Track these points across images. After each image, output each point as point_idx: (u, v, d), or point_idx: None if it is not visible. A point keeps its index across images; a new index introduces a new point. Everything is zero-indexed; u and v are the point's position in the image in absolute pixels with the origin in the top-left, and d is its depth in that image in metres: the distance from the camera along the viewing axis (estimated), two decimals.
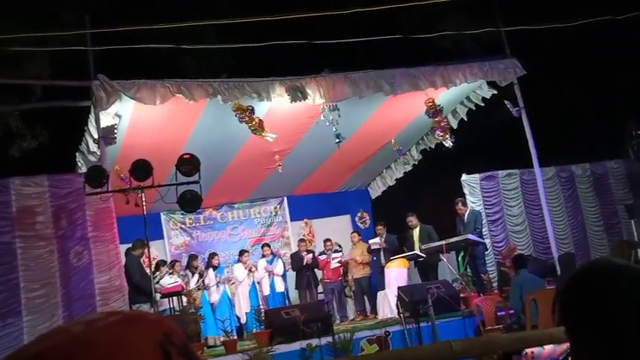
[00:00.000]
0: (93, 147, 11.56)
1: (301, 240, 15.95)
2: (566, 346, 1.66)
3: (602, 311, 1.64)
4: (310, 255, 14.93)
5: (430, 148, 15.77)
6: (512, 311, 10.73)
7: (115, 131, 11.41)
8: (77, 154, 12.76)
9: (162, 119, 12.00)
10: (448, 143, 13.65)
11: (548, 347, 3.35)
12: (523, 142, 13.84)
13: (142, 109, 11.36)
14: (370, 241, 14.78)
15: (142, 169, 10.22)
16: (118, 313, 0.84)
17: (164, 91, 11.09)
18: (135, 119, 11.83)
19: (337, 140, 12.90)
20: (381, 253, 14.45)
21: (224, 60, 15.39)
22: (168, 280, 13.23)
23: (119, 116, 11.48)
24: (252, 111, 11.85)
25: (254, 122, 11.86)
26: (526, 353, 2.96)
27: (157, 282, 12.85)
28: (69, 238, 10.76)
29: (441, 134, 13.67)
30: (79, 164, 12.75)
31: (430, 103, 13.26)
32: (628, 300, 1.63)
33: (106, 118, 11.29)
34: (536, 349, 3.20)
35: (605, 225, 15.82)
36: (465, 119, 14.48)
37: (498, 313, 11.16)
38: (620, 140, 14.85)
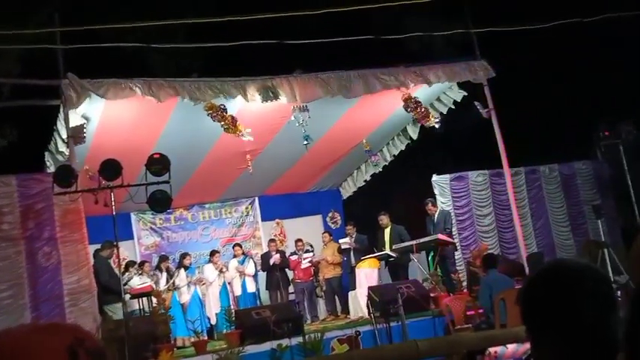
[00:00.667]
0: (62, 146, 11.45)
1: (271, 240, 15.92)
2: (529, 345, 1.68)
3: (567, 310, 1.65)
4: (278, 255, 14.91)
5: (402, 147, 15.83)
6: (481, 311, 10.81)
7: (85, 131, 11.28)
8: (46, 153, 12.62)
9: (132, 119, 11.93)
10: (437, 124, 13.66)
11: (511, 347, 3.38)
12: (493, 143, 13.94)
13: (111, 109, 11.28)
14: (340, 241, 14.82)
15: (111, 168, 10.13)
16: (33, 324, 0.86)
17: (133, 91, 11.01)
18: (104, 119, 11.74)
19: (305, 142, 12.89)
20: (352, 253, 14.48)
21: (194, 59, 15.32)
22: (138, 281, 13.16)
23: (87, 118, 11.37)
24: (225, 110, 11.81)
25: (226, 120, 11.82)
26: (489, 353, 2.98)
27: (126, 283, 12.77)
28: (37, 239, 10.64)
29: (426, 121, 13.69)
30: (48, 164, 12.60)
31: (407, 98, 13.28)
32: (593, 300, 1.66)
33: (76, 118, 11.19)
34: (499, 349, 3.23)
35: (571, 225, 16.00)
36: (437, 120, 14.53)
37: (468, 313, 11.24)
38: (588, 141, 15.04)
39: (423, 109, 13.58)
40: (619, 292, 10.77)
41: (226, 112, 11.81)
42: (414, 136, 15.13)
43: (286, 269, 15.11)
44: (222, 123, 11.83)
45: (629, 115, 14.26)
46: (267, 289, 15.07)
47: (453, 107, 14.38)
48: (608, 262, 11.09)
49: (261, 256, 15.56)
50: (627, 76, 15.72)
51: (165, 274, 13.93)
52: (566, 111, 17.13)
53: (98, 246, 12.54)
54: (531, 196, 15.69)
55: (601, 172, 16.16)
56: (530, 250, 14.66)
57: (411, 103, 13.37)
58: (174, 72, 12.50)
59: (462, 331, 10.31)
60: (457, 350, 3.62)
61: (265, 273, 15.11)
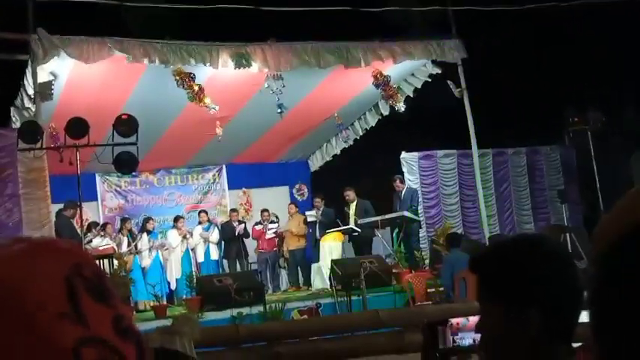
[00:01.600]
0: (28, 103, 11.26)
1: (233, 210, 15.87)
2: None
3: (522, 278, 1.65)
4: (242, 225, 14.87)
5: (373, 124, 15.83)
6: (442, 288, 10.90)
7: (52, 87, 11.11)
8: (12, 108, 12.41)
9: (102, 78, 11.76)
10: (401, 108, 13.65)
11: (472, 318, 3.40)
12: (462, 123, 13.98)
13: (81, 67, 11.09)
14: (307, 213, 14.82)
15: (77, 126, 10.01)
16: (24, 239, 0.80)
17: (104, 49, 10.85)
18: (73, 76, 11.55)
19: (279, 110, 12.83)
20: (317, 226, 14.50)
21: (168, 22, 15.10)
22: (99, 242, 13.06)
23: (55, 75, 11.18)
24: (193, 78, 11.67)
25: (193, 89, 11.68)
26: (451, 324, 3.00)
27: (87, 243, 12.67)
28: None
29: (392, 100, 13.68)
30: (14, 119, 12.40)
31: (378, 74, 13.26)
32: (549, 265, 1.65)
33: (44, 74, 11.00)
34: (461, 320, 3.25)
35: (534, 209, 16.17)
36: (412, 96, 14.54)
37: (429, 290, 11.33)
38: (557, 127, 15.16)
39: (391, 88, 13.57)
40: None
41: (194, 80, 11.66)
42: (385, 113, 15.11)
43: (245, 239, 15.08)
44: (189, 91, 11.69)
45: (598, 102, 14.39)
46: (224, 257, 15.03)
47: (420, 88, 14.39)
48: (569, 247, 11.23)
49: (222, 225, 15.47)
50: (599, 63, 15.84)
51: (127, 237, 13.83)
52: (537, 95, 17.22)
53: (61, 205, 12.39)
54: (497, 179, 15.82)
55: (567, 158, 16.33)
56: (494, 231, 14.79)
57: (380, 80, 13.35)
58: (146, 34, 12.31)
59: (422, 307, 10.41)
60: (417, 321, 3.64)
61: (224, 242, 15.05)
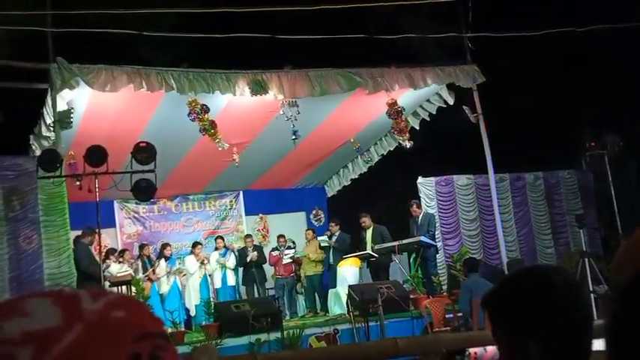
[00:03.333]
0: (46, 131, 11.40)
1: (247, 235, 15.81)
2: None
3: (534, 312, 1.66)
4: (255, 253, 14.83)
5: (389, 150, 15.84)
6: (460, 314, 10.84)
7: (71, 116, 11.24)
8: (31, 136, 12.55)
9: (120, 106, 11.88)
10: (406, 144, 13.69)
11: (490, 349, 3.40)
12: (479, 148, 13.99)
13: (100, 95, 11.22)
14: (319, 239, 14.79)
15: (96, 154, 10.10)
16: (103, 295, 0.76)
17: (122, 78, 10.97)
18: (92, 104, 11.68)
19: (293, 137, 12.88)
20: (331, 251, 14.49)
21: (185, 50, 15.26)
22: (118, 269, 13.10)
23: (72, 106, 11.29)
24: (207, 110, 11.73)
25: (204, 122, 11.74)
26: (469, 353, 3.00)
27: (105, 269, 12.73)
28: (20, 221, 10.59)
29: (400, 136, 13.72)
30: (33, 147, 12.54)
31: (392, 103, 13.30)
32: (561, 301, 1.66)
33: (63, 102, 11.14)
34: (479, 350, 3.24)
35: (553, 234, 16.09)
36: (428, 119, 14.56)
37: (447, 316, 11.27)
38: (574, 151, 15.12)
39: (402, 121, 13.59)
40: (595, 301, 10.85)
41: (206, 113, 11.71)
42: (394, 142, 15.12)
43: (263, 265, 15.06)
44: (200, 123, 11.75)
45: (615, 126, 14.35)
46: (243, 284, 15.03)
47: (434, 113, 14.42)
48: (588, 272, 11.14)
49: (238, 251, 15.48)
50: (617, 87, 15.82)
51: (146, 263, 13.88)
52: (554, 120, 17.21)
53: (79, 232, 12.47)
54: (515, 203, 15.77)
55: (585, 182, 16.25)
56: (514, 256, 14.72)
57: (394, 110, 13.36)
58: (163, 62, 12.45)
59: (440, 333, 10.35)
60: (435, 349, 3.64)
61: (242, 268, 15.04)
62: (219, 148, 12.08)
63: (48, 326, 0.70)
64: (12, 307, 0.73)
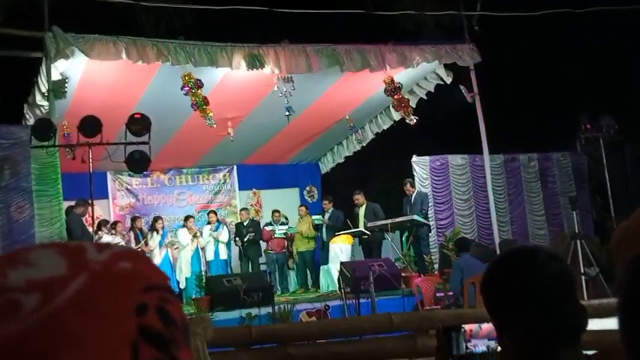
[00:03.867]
0: (41, 100, 11.32)
1: (243, 209, 15.84)
2: None
3: (524, 292, 1.68)
4: (253, 234, 14.81)
5: (385, 127, 15.81)
6: (451, 293, 10.88)
7: (66, 85, 11.16)
8: (25, 105, 12.47)
9: (115, 77, 11.80)
10: (412, 120, 13.64)
11: (485, 326, 3.41)
12: (475, 128, 13.97)
13: (95, 64, 11.14)
14: (314, 217, 14.79)
15: (90, 125, 10.04)
16: (106, 247, 0.74)
17: (118, 49, 10.88)
18: (87, 75, 11.59)
19: (287, 113, 12.82)
20: (324, 228, 14.51)
21: (182, 22, 15.16)
22: (110, 240, 13.08)
23: (66, 76, 11.21)
24: (200, 85, 11.66)
25: (198, 97, 11.67)
26: (464, 330, 3.00)
27: (100, 241, 12.73)
28: (12, 190, 10.55)
29: (403, 111, 13.67)
30: (27, 116, 12.47)
31: (389, 81, 13.26)
32: (548, 279, 1.68)
33: (57, 72, 11.05)
34: (474, 327, 3.25)
35: (546, 215, 16.14)
36: (425, 98, 14.52)
37: (437, 294, 11.31)
38: (569, 133, 15.11)
39: (402, 98, 13.55)
40: (586, 283, 10.91)
41: (200, 88, 11.65)
42: (397, 118, 15.07)
43: (259, 241, 15.09)
44: (193, 98, 11.68)
45: (611, 109, 14.34)
46: (239, 259, 15.06)
47: (432, 91, 14.39)
48: (580, 254, 11.18)
49: (236, 225, 15.50)
50: (612, 70, 15.80)
51: (138, 236, 13.87)
52: (549, 101, 17.20)
53: (71, 202, 12.44)
54: (509, 184, 15.79)
55: (579, 165, 16.28)
56: (506, 237, 14.77)
57: (391, 87, 13.32)
58: (160, 33, 12.36)
59: (431, 311, 10.38)
60: (430, 325, 3.64)
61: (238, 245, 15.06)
62: (209, 125, 12.00)
63: (53, 275, 0.69)
64: (16, 257, 0.71)
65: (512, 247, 1.92)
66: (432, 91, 14.38)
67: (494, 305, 1.74)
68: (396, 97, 13.46)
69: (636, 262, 1.24)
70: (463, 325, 2.80)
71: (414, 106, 14.16)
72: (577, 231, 12.00)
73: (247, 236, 14.69)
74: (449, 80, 13.95)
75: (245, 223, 15.03)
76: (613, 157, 14.58)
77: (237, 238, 14.84)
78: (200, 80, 11.62)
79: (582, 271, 10.97)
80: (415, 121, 13.58)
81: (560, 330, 1.67)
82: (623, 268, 1.29)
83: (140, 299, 0.71)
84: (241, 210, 15.80)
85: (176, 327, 0.73)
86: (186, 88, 11.64)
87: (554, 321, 1.66)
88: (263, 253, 15.27)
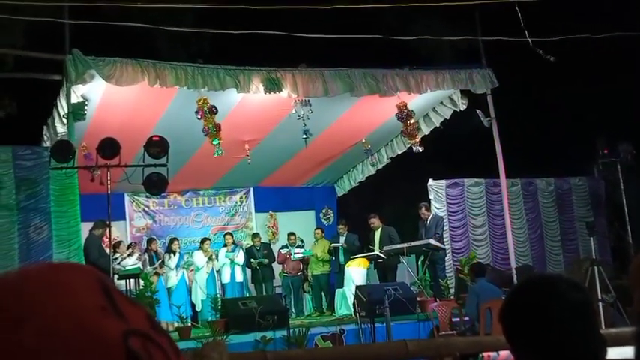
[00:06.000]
0: (59, 123, 11.45)
1: (255, 234, 15.83)
2: None
3: (544, 322, 1.68)
4: (264, 260, 14.84)
5: (400, 152, 15.82)
6: (466, 318, 10.82)
7: (85, 108, 11.28)
8: (44, 127, 12.60)
9: (134, 99, 11.90)
10: (417, 149, 13.67)
11: (503, 353, 3.40)
12: (491, 152, 13.96)
13: (114, 87, 11.24)
14: (333, 245, 14.72)
15: (109, 147, 10.13)
16: (48, 262, 0.82)
17: (137, 73, 10.99)
18: (107, 96, 11.71)
19: (304, 136, 12.87)
20: (341, 251, 14.50)
21: (200, 46, 15.29)
22: (130, 262, 13.14)
23: (86, 99, 11.32)
24: (214, 111, 11.73)
25: (210, 123, 11.74)
26: (482, 357, 2.99)
27: (119, 262, 12.81)
28: (31, 211, 10.64)
29: (410, 140, 13.71)
30: (45, 138, 12.60)
31: (402, 106, 13.30)
32: (569, 310, 1.68)
33: (77, 94, 11.17)
34: (492, 354, 3.24)
35: (562, 240, 16.06)
36: (438, 126, 14.55)
37: (453, 319, 11.25)
38: (586, 158, 15.07)
39: (412, 123, 13.57)
40: (603, 309, 10.81)
41: (214, 114, 11.72)
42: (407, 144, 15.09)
43: (272, 263, 15.10)
44: (205, 123, 11.75)
45: (629, 135, 14.30)
46: (252, 282, 15.09)
47: (447, 119, 14.41)
48: (597, 280, 11.11)
49: (246, 249, 15.48)
50: (630, 95, 15.76)
51: (153, 257, 13.91)
52: (566, 126, 17.17)
53: (89, 224, 12.51)
54: (526, 209, 15.74)
55: (596, 190, 16.21)
56: (523, 262, 14.70)
57: (403, 113, 13.35)
58: (179, 57, 12.47)
59: (447, 336, 10.33)
60: (445, 353, 3.64)
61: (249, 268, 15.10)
62: (217, 155, 12.05)
63: None
64: None
65: (532, 275, 1.92)
66: (447, 118, 14.39)
67: (514, 333, 1.74)
68: (407, 123, 13.46)
69: None
70: (481, 353, 2.80)
71: (427, 133, 14.17)
72: (594, 257, 11.93)
73: (259, 259, 14.71)
74: (463, 107, 13.98)
75: (257, 247, 15.05)
76: (630, 183, 14.50)
77: (251, 260, 14.85)
78: (215, 107, 11.68)
79: (599, 297, 10.89)
80: (421, 150, 13.58)
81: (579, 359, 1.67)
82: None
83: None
84: (253, 235, 15.79)
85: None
86: (200, 113, 11.71)
87: (574, 351, 1.66)
88: (278, 276, 15.27)
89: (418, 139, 13.74)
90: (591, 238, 12.22)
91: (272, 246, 15.78)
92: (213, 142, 11.91)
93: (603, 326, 9.57)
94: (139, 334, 0.74)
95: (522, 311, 1.74)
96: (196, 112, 11.73)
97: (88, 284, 0.76)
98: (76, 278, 0.76)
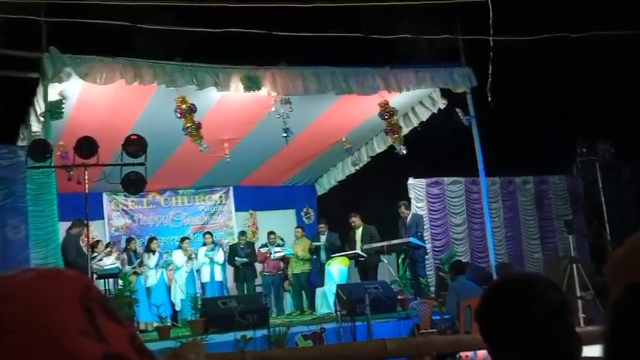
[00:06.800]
0: (35, 121, 11.34)
1: (242, 232, 15.86)
2: None
3: (521, 320, 1.68)
4: (245, 259, 14.82)
5: (380, 151, 15.83)
6: (447, 316, 10.84)
7: (63, 106, 11.18)
8: (21, 125, 12.48)
9: (112, 97, 11.82)
10: (400, 149, 13.68)
11: (480, 352, 3.39)
12: (471, 151, 13.99)
13: (91, 86, 11.16)
14: (314, 244, 14.70)
15: (87, 146, 10.04)
16: (32, 269, 0.81)
17: (115, 71, 10.91)
18: (84, 94, 11.61)
19: (285, 135, 12.83)
20: (322, 250, 14.49)
21: (179, 44, 15.20)
22: (108, 261, 13.04)
23: (64, 97, 11.22)
24: (193, 110, 11.67)
25: (190, 122, 11.69)
26: (460, 356, 2.98)
27: (97, 262, 12.71)
28: (7, 211, 10.51)
29: (394, 137, 13.71)
30: (22, 136, 12.48)
31: (384, 105, 13.31)
32: (545, 308, 1.68)
33: (54, 94, 11.07)
34: (470, 354, 3.22)
35: (541, 238, 16.14)
36: (416, 126, 14.57)
37: (433, 317, 11.27)
38: (565, 157, 15.14)
39: (395, 124, 13.60)
40: (582, 307, 10.89)
41: (194, 113, 11.67)
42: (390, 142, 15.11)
43: (253, 263, 15.08)
44: (185, 122, 11.70)
45: (608, 133, 14.38)
46: (234, 280, 15.05)
47: (425, 121, 14.43)
48: (576, 278, 11.17)
49: (230, 247, 15.48)
50: (609, 94, 15.86)
51: (131, 257, 13.83)
52: (546, 125, 17.25)
53: (67, 223, 12.41)
54: (505, 207, 15.80)
55: (575, 188, 16.31)
56: (501, 260, 14.75)
57: (386, 111, 13.37)
58: (157, 55, 12.39)
59: (427, 335, 10.34)
60: (425, 352, 3.62)
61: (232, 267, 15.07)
62: (202, 151, 12.03)
63: None
64: None
65: (509, 274, 1.92)
66: (424, 121, 14.41)
67: (490, 332, 1.74)
68: (390, 121, 13.49)
69: (624, 299, 1.28)
70: (459, 353, 2.78)
71: (406, 132, 14.21)
72: (573, 254, 12.00)
73: (243, 258, 14.69)
74: (443, 106, 14.01)
75: (242, 245, 15.02)
76: (609, 181, 14.59)
77: (235, 258, 14.80)
78: (194, 105, 11.63)
79: (578, 295, 10.95)
80: (404, 152, 13.60)
81: (556, 359, 1.67)
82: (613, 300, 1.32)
83: None
84: (240, 233, 15.77)
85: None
86: (179, 112, 11.65)
87: (552, 350, 1.66)
88: (259, 275, 15.24)
89: (401, 137, 13.74)
90: (570, 236, 12.29)
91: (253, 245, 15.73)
92: (197, 142, 11.85)
93: (582, 324, 9.64)
94: (118, 358, 0.74)
95: (500, 312, 1.73)
96: (175, 111, 11.67)
97: (71, 302, 0.76)
98: (62, 293, 0.76)
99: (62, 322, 0.73)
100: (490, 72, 11.80)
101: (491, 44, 11.55)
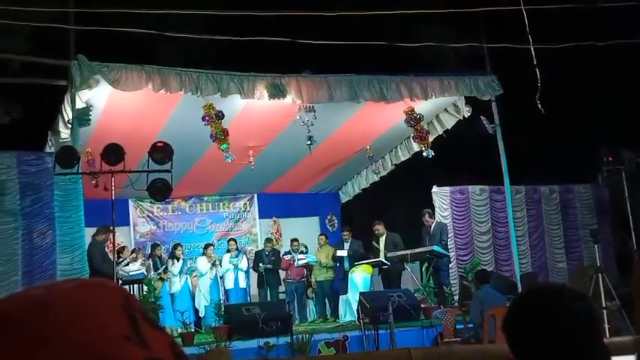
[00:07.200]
0: (63, 128, 11.47)
1: (268, 239, 15.88)
2: None
3: (549, 331, 1.67)
4: (269, 266, 14.83)
5: (404, 159, 15.81)
6: (470, 325, 10.79)
7: (90, 113, 11.30)
8: (49, 132, 12.62)
9: (139, 105, 11.92)
10: (428, 153, 13.65)
11: None
12: (495, 159, 13.93)
13: (119, 92, 11.27)
14: (338, 253, 14.66)
15: (113, 152, 10.13)
16: (76, 279, 0.84)
17: (142, 79, 11.01)
18: (111, 101, 11.74)
19: (309, 143, 12.86)
20: (345, 258, 14.47)
21: (205, 52, 15.30)
22: (134, 267, 13.13)
23: (90, 105, 11.34)
24: (221, 117, 11.76)
25: (217, 128, 11.78)
26: None
27: (124, 267, 12.81)
28: (35, 217, 10.65)
29: (422, 142, 13.69)
30: (50, 143, 12.61)
31: (410, 112, 13.32)
32: (574, 319, 1.68)
33: (82, 100, 11.19)
34: None
35: (566, 248, 16.01)
36: (441, 134, 14.54)
37: (457, 326, 11.22)
38: (590, 166, 15.01)
39: (422, 129, 13.58)
40: (607, 317, 10.77)
41: (221, 120, 11.76)
42: (416, 149, 15.08)
43: (278, 270, 15.09)
44: (213, 129, 11.79)
45: (633, 142, 14.25)
46: (258, 287, 15.07)
47: (449, 129, 14.39)
48: (601, 288, 11.06)
49: (255, 253, 15.54)
50: (635, 103, 15.71)
51: (157, 263, 13.91)
52: (571, 133, 17.12)
53: (93, 229, 12.51)
54: (530, 216, 15.70)
55: (600, 197, 16.17)
56: (525, 269, 14.65)
57: (412, 118, 13.38)
58: (183, 63, 12.48)
59: (451, 344, 10.31)
60: None
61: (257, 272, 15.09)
62: (227, 160, 12.09)
63: None
64: None
65: (536, 285, 1.92)
66: (449, 128, 14.39)
67: (518, 344, 1.74)
68: (417, 127, 13.50)
69: None
70: None
71: (431, 140, 14.19)
72: (598, 264, 11.89)
73: (267, 264, 14.71)
74: (467, 114, 13.98)
75: (267, 252, 15.05)
76: (635, 190, 14.43)
77: (260, 265, 14.82)
78: (221, 112, 11.73)
79: (604, 305, 10.85)
80: (432, 155, 13.58)
81: None
82: None
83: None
84: (266, 240, 15.79)
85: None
86: (207, 119, 11.74)
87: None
88: (282, 282, 15.25)
89: (429, 143, 13.72)
90: (595, 246, 12.18)
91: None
92: (222, 147, 11.93)
93: (608, 334, 9.55)
94: None
95: (528, 323, 1.73)
96: (203, 118, 11.76)
97: (113, 310, 0.79)
98: (103, 302, 0.79)
99: (100, 329, 0.75)
100: (539, 81, 11.69)
101: (533, 53, 11.41)
